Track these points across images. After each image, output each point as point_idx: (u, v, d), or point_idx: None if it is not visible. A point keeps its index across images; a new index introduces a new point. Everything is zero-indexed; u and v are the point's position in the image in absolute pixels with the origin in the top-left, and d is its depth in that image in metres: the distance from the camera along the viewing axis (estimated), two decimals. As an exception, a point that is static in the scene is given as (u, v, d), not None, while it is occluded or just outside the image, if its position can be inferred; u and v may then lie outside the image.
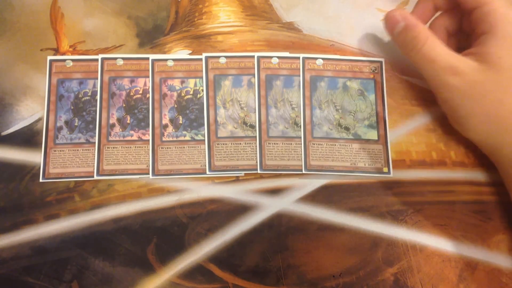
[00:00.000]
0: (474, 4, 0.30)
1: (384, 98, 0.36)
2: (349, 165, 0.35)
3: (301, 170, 0.34)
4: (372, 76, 0.36)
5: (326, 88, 0.36)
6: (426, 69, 0.31)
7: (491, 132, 0.29)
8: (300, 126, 0.35)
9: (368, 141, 0.35)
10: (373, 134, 0.35)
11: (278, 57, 0.36)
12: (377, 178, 0.35)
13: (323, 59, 0.36)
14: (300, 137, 0.35)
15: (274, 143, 0.35)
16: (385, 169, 0.35)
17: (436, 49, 0.30)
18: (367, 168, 0.35)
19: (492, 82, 0.28)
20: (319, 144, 0.35)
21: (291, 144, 0.35)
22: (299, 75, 0.36)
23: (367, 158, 0.35)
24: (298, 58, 0.36)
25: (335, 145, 0.35)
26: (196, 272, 0.33)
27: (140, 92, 0.36)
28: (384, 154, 0.35)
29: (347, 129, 0.35)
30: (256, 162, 0.35)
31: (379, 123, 0.35)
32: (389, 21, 0.33)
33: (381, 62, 0.36)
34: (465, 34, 0.34)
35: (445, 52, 0.30)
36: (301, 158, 0.35)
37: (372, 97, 0.36)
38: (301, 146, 0.35)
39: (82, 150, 0.35)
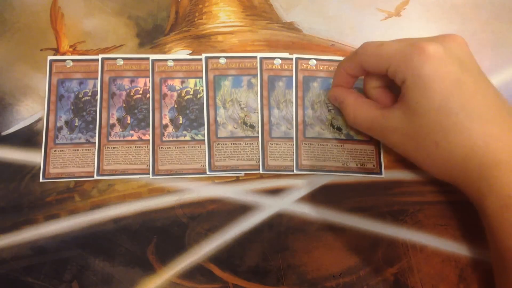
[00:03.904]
0: (381, 70, 0.30)
1: None
2: (341, 165, 0.35)
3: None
4: None
5: (319, 88, 0.36)
6: (368, 133, 0.32)
7: (447, 173, 0.29)
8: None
9: (360, 141, 0.35)
10: (365, 135, 0.35)
11: (281, 58, 0.36)
12: (371, 178, 0.35)
13: (316, 59, 0.36)
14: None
15: (277, 144, 0.35)
16: (377, 170, 0.35)
17: (363, 111, 0.31)
18: (359, 169, 0.35)
19: (421, 128, 0.28)
20: (311, 144, 0.35)
21: (293, 145, 0.35)
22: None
23: (358, 158, 0.35)
24: (292, 59, 0.36)
25: (327, 145, 0.35)
26: (196, 272, 0.33)
27: (140, 92, 0.36)
28: (376, 154, 0.35)
29: (339, 129, 0.35)
30: (257, 162, 0.35)
31: None
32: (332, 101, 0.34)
33: None
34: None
35: (372, 112, 0.31)
36: (293, 158, 0.35)
37: None
38: (293, 146, 0.35)
39: (82, 150, 0.35)
